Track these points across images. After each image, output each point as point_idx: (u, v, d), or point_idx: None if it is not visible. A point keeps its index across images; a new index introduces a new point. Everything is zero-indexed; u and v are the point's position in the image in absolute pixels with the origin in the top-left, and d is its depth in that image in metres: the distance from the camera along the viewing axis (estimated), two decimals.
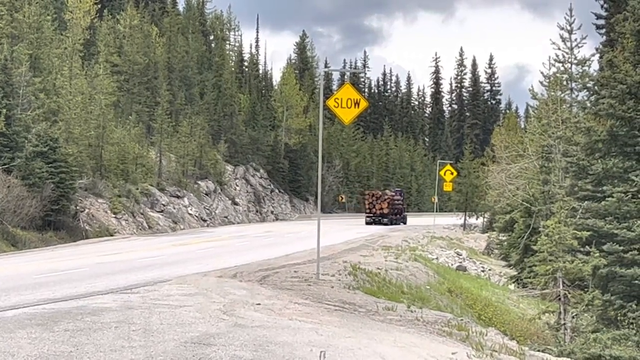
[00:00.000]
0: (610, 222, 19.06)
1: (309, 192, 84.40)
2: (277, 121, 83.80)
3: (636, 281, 18.14)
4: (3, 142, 35.46)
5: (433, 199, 63.03)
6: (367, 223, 57.94)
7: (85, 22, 54.01)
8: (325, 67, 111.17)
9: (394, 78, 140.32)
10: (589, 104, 24.50)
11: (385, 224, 57.25)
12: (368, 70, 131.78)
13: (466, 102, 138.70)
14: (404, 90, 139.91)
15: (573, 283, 19.74)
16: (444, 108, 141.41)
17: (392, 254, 24.97)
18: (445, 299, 19.30)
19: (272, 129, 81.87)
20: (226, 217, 62.88)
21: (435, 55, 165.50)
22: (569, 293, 19.75)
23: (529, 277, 26.73)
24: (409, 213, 71.55)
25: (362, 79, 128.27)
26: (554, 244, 19.45)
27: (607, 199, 19.30)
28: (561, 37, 28.09)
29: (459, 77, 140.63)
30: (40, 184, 35.09)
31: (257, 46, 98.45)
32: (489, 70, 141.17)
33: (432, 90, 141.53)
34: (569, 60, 28.66)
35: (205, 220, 57.98)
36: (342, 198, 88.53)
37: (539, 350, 13.82)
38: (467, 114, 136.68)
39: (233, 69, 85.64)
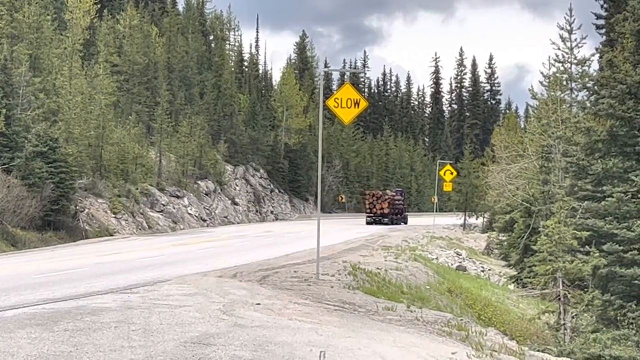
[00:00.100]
0: (610, 222, 19.07)
1: (308, 192, 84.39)
2: (277, 121, 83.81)
3: (636, 281, 18.14)
4: (3, 142, 35.46)
5: (433, 199, 62.97)
6: (368, 223, 57.95)
7: (85, 22, 54.02)
8: (325, 67, 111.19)
9: (393, 78, 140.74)
10: (588, 104, 24.52)
11: (386, 224, 57.24)
12: (368, 70, 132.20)
13: (466, 102, 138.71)
14: (403, 90, 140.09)
15: (573, 283, 19.74)
16: (444, 108, 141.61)
17: (391, 254, 24.98)
18: (445, 298, 19.29)
19: (272, 129, 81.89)
20: (226, 217, 62.88)
21: (435, 55, 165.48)
22: (569, 293, 19.76)
23: (529, 277, 26.75)
24: (409, 213, 71.53)
25: (362, 79, 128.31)
26: (553, 244, 19.45)
27: (607, 199, 19.30)
28: (561, 37, 28.16)
29: (458, 77, 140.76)
30: (40, 184, 35.09)
31: (257, 46, 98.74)
32: (488, 70, 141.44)
33: (432, 90, 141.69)
34: (569, 60, 28.71)
35: (205, 220, 57.98)
36: (342, 198, 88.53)
37: (538, 350, 13.82)
38: (467, 114, 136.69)
39: (233, 69, 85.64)
